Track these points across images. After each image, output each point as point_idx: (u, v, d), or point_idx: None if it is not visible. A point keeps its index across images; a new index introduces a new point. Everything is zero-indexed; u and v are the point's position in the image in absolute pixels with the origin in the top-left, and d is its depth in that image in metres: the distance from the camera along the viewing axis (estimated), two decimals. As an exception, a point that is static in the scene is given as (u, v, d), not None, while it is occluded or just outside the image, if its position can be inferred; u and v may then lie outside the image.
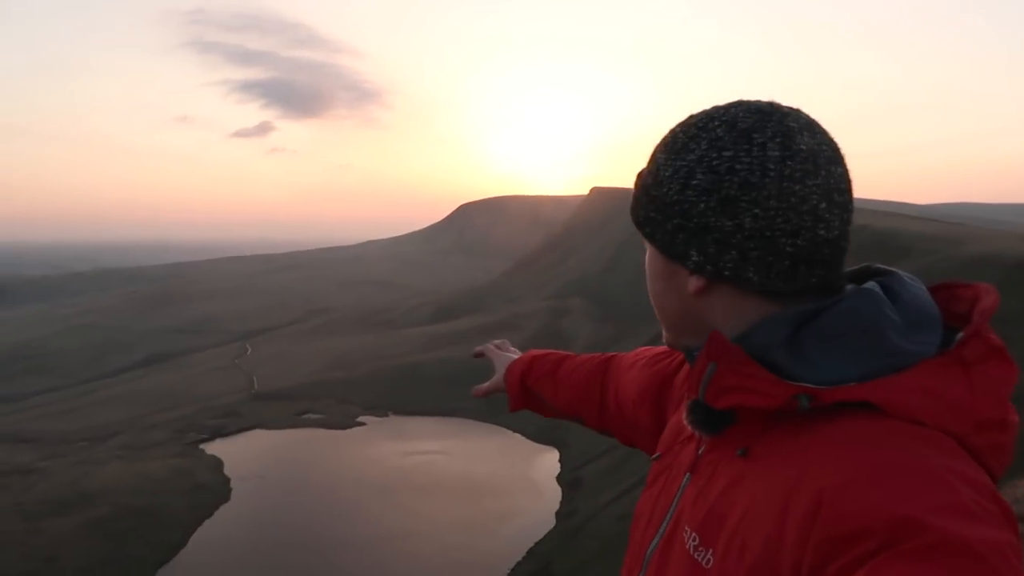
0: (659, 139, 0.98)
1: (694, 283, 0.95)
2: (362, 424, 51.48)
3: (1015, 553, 0.64)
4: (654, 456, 1.11)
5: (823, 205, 0.86)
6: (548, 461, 42.85)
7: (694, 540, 0.88)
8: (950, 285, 0.90)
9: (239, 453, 44.95)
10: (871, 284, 0.89)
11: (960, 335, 0.82)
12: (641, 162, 1.02)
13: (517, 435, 46.85)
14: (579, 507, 34.42)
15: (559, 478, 39.98)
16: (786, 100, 0.93)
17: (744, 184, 0.87)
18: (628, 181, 1.07)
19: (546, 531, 32.94)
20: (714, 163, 0.90)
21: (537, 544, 31.73)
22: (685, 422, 0.96)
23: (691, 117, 0.96)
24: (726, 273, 0.91)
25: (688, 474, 0.97)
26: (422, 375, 58.99)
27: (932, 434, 0.75)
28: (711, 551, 0.85)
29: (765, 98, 0.93)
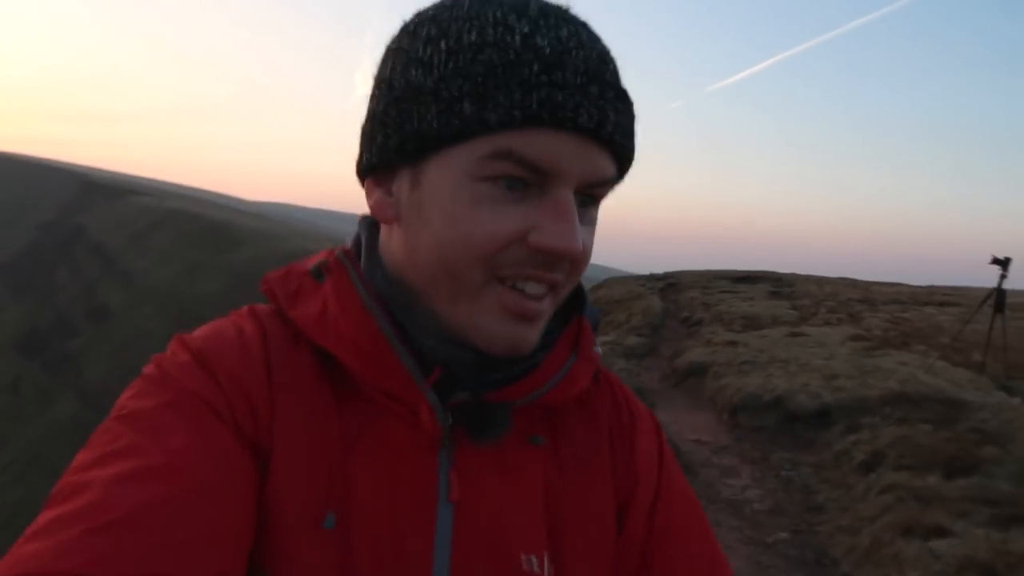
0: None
1: None
2: None
3: None
4: (327, 524, 0.62)
5: None
6: None
7: (548, 567, 0.68)
8: None
9: None
10: None
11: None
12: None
13: None
14: None
15: None
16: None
17: None
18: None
19: None
20: None
21: None
22: (475, 441, 0.68)
23: None
24: None
25: (450, 504, 0.66)
26: None
27: None
28: (553, 561, 0.68)
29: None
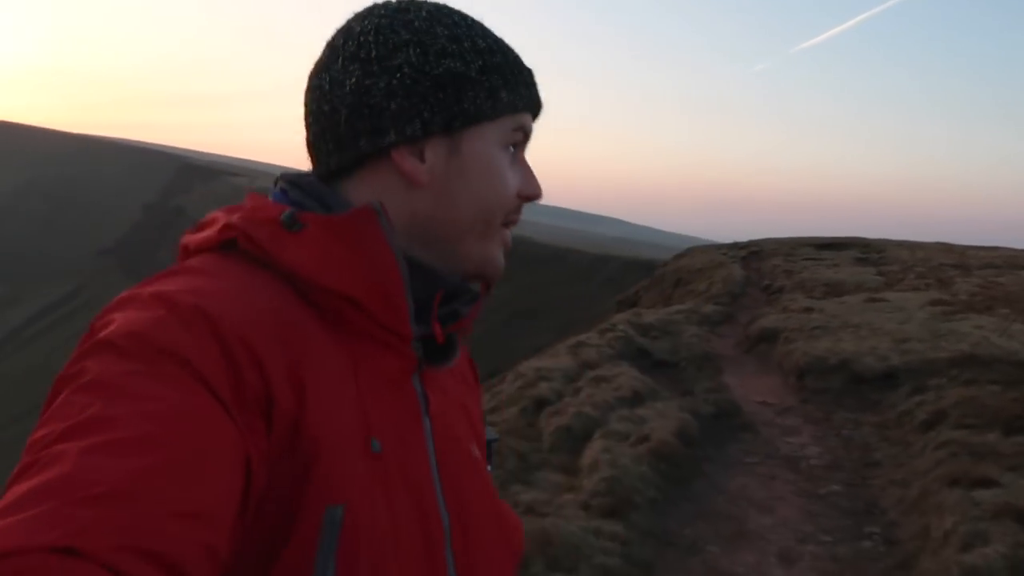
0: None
1: None
2: None
3: None
4: (375, 448, 0.71)
5: None
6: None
7: (476, 454, 0.87)
8: None
9: None
10: None
11: None
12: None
13: None
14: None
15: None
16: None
17: None
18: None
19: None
20: None
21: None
22: (444, 365, 0.81)
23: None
24: None
25: (428, 417, 0.78)
26: None
27: None
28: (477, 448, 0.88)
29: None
